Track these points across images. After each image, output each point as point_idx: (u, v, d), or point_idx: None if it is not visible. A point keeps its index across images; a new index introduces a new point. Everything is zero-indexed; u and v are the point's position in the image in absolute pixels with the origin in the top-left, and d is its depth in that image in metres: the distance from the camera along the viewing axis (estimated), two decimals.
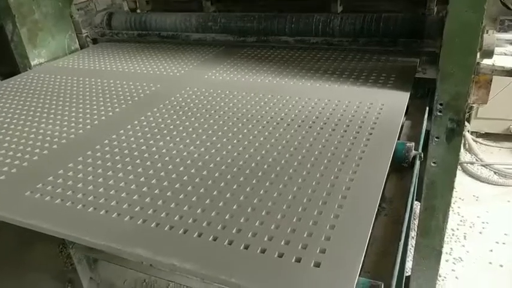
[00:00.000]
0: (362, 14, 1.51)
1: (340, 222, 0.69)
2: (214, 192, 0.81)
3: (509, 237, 2.28)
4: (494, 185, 2.73)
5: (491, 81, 1.89)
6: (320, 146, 0.94)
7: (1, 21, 1.67)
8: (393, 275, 0.63)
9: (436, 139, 1.19)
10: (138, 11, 2.14)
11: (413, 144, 0.94)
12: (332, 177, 0.81)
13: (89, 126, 1.14)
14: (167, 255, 0.66)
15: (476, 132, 3.19)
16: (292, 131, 1.02)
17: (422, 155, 0.94)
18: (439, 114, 1.15)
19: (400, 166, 0.95)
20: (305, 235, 0.67)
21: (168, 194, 0.82)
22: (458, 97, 1.11)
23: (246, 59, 1.55)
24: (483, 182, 2.75)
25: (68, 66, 1.68)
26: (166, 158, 0.94)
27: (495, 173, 2.83)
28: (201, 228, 0.71)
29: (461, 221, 2.42)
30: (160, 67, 1.57)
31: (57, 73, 1.60)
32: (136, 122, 1.13)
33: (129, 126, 1.11)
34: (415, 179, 0.91)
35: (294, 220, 0.71)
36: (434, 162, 1.22)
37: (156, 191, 0.83)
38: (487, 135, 3.18)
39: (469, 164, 2.89)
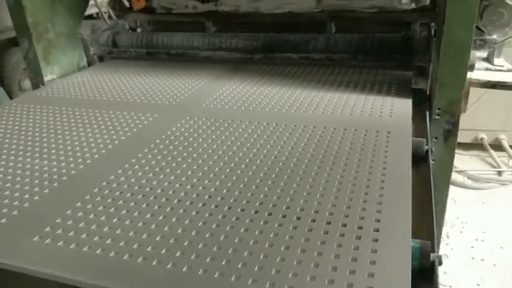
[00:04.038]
0: (359, 34, 1.71)
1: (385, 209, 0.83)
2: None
3: (487, 235, 2.50)
4: (469, 189, 2.98)
5: (468, 92, 2.14)
6: (346, 153, 1.08)
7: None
8: (434, 235, 0.77)
9: (434, 139, 1.36)
10: (139, 30, 2.25)
11: (424, 139, 1.11)
12: (364, 180, 0.93)
13: (89, 161, 1.08)
14: None
15: None
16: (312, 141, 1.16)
17: (433, 149, 1.11)
18: (437, 117, 1.33)
19: (414, 161, 1.11)
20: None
21: (192, 233, 0.78)
22: (453, 102, 1.30)
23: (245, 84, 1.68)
24: (459, 186, 3.00)
25: (68, 94, 1.62)
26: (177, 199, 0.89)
27: (468, 178, 3.09)
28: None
29: None
30: (160, 91, 1.57)
31: (49, 102, 1.53)
32: (140, 155, 1.09)
33: (126, 166, 1.04)
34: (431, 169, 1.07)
35: (342, 216, 0.84)
36: (433, 160, 1.39)
37: (182, 231, 0.79)
38: (458, 145, 3.45)
39: None
